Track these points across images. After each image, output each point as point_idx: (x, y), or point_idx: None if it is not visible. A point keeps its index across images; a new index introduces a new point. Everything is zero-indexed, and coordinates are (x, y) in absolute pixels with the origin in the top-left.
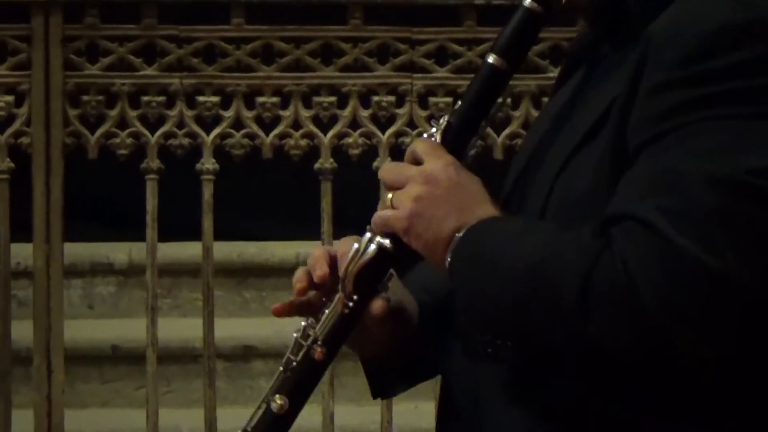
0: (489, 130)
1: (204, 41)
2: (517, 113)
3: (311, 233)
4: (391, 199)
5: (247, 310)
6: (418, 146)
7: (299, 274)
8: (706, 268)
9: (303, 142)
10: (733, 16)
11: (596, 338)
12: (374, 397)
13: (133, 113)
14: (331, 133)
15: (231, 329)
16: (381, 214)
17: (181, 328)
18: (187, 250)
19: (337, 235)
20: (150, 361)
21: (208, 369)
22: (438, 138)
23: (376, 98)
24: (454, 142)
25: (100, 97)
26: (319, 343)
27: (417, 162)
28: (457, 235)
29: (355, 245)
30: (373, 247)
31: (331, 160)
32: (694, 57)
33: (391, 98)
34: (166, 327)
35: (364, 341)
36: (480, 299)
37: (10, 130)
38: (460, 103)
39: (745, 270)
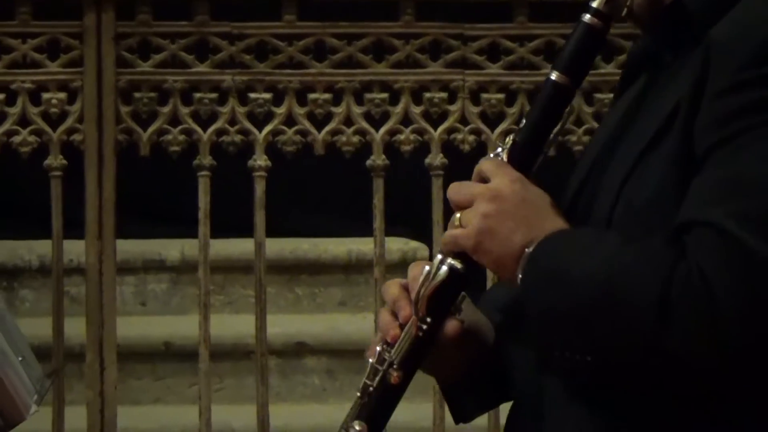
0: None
1: (256, 38)
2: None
3: (363, 230)
4: (460, 218)
5: (299, 307)
6: (484, 165)
7: (386, 317)
8: None
9: (355, 139)
10: None
11: (676, 348)
12: (456, 422)
13: (185, 110)
14: (383, 130)
15: (283, 325)
16: (450, 233)
17: (233, 325)
18: (240, 247)
19: (389, 231)
20: (202, 357)
21: (260, 365)
22: (504, 157)
23: (427, 95)
24: (520, 160)
25: (153, 94)
26: (395, 367)
27: (483, 180)
28: (527, 250)
29: (426, 267)
30: (444, 268)
31: (383, 156)
32: (759, 59)
33: (443, 94)
34: (219, 323)
35: (440, 365)
36: (555, 314)
37: (62, 127)
38: (524, 121)
39: None
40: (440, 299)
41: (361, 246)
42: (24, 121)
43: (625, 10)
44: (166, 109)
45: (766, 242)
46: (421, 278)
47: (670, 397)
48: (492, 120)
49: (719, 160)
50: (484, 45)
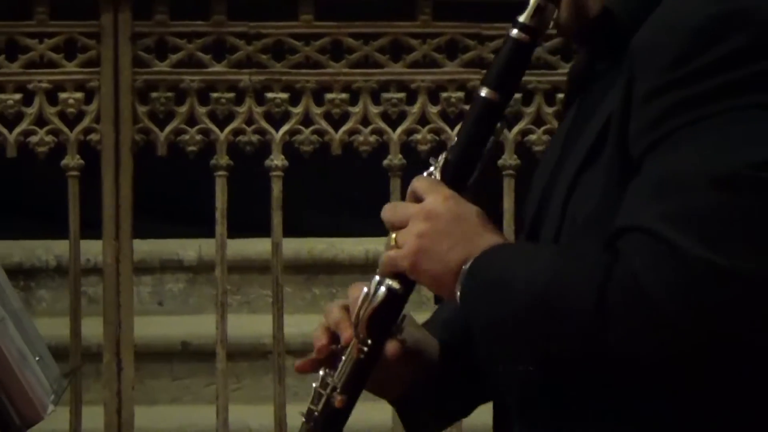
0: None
1: (273, 38)
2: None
3: (380, 230)
4: (395, 239)
5: (316, 307)
6: (417, 184)
7: (318, 332)
8: (714, 267)
9: (372, 139)
10: (711, 12)
11: (617, 351)
12: None
13: (202, 110)
14: (399, 130)
15: (300, 325)
16: (386, 254)
17: (250, 325)
18: (257, 247)
19: None
20: (219, 357)
21: (277, 365)
22: (437, 175)
23: (444, 94)
24: (453, 178)
25: (169, 94)
26: (338, 390)
27: (417, 200)
28: (464, 267)
29: (365, 289)
30: (382, 289)
31: (400, 156)
32: (678, 59)
33: (460, 94)
34: (236, 323)
35: (385, 385)
36: (495, 325)
37: (79, 127)
38: (456, 138)
39: (752, 263)
40: (380, 321)
41: (378, 245)
42: (41, 121)
43: (552, 23)
44: (182, 109)
45: (694, 240)
46: (360, 300)
47: (643, 418)
48: (508, 120)
49: (650, 164)
50: (500, 45)
